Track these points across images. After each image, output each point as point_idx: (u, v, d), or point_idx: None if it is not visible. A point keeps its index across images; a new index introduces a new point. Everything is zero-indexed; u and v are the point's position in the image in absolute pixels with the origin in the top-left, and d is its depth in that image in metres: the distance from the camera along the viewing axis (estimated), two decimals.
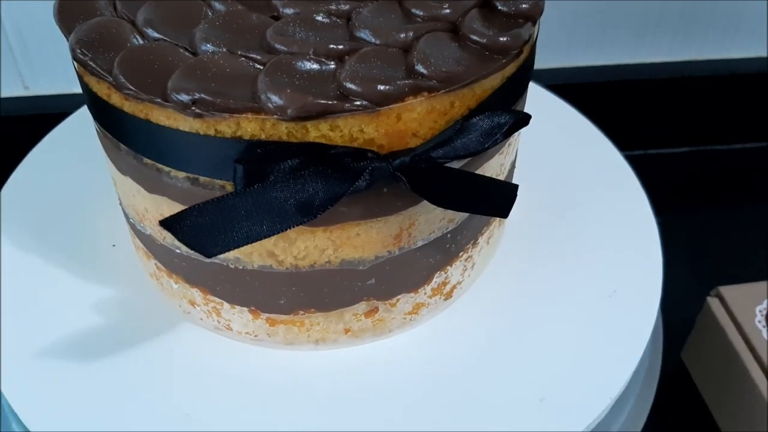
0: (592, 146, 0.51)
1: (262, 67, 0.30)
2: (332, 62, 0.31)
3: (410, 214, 0.34)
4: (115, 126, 0.33)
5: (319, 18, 0.33)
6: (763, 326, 0.53)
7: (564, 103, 0.54)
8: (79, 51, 0.32)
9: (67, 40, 0.33)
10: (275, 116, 0.29)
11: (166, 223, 0.28)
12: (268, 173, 0.29)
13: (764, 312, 0.54)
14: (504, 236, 0.44)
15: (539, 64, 0.38)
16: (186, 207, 0.33)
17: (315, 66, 0.30)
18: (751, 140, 0.82)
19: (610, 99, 0.75)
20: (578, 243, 0.44)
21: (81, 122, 0.51)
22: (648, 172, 0.53)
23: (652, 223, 0.46)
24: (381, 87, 0.30)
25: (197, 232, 0.28)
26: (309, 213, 0.29)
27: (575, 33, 0.74)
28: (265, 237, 0.29)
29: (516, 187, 0.35)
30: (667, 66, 0.78)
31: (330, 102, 0.29)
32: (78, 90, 0.35)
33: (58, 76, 0.68)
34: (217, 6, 0.33)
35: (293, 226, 0.29)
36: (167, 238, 0.36)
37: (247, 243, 0.29)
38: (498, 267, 0.43)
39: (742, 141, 0.82)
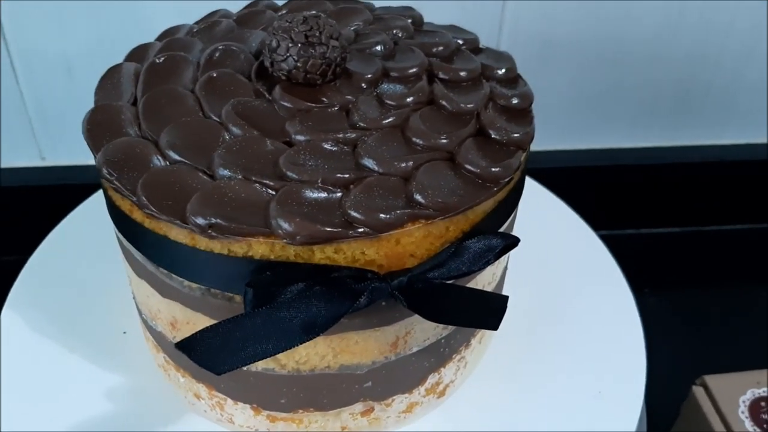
0: (572, 232, 0.55)
1: (274, 193, 0.33)
2: (338, 190, 0.33)
3: (406, 324, 0.37)
4: (134, 237, 0.36)
5: (328, 146, 0.36)
6: (746, 417, 0.55)
7: (540, 187, 0.57)
8: (106, 171, 0.35)
9: (95, 157, 0.36)
10: (284, 241, 0.32)
11: (181, 346, 0.31)
12: (275, 295, 0.31)
13: (747, 403, 0.56)
14: (494, 334, 0.47)
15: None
16: (198, 313, 0.35)
17: (322, 195, 0.33)
18: (736, 222, 0.84)
19: (601, 182, 0.78)
20: (564, 340, 0.47)
21: (98, 205, 0.53)
22: (632, 252, 0.56)
23: (636, 317, 0.49)
24: (382, 216, 0.32)
25: (209, 352, 0.31)
26: (312, 331, 0.32)
27: (568, 118, 0.77)
28: (271, 355, 0.32)
29: (506, 299, 0.38)
30: (659, 151, 0.82)
31: (335, 230, 0.32)
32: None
33: (76, 148, 0.71)
34: (235, 130, 0.36)
35: (297, 345, 0.32)
36: (177, 337, 0.38)
37: (254, 361, 0.32)
38: (488, 363, 0.46)
39: (727, 222, 0.84)
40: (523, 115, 0.40)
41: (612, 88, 0.76)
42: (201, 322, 0.36)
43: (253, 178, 0.34)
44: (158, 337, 0.40)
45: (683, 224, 0.84)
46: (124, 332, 0.46)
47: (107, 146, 0.36)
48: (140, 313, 0.42)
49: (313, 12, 0.39)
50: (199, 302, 0.35)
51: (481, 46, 0.46)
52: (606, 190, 0.79)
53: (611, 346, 0.47)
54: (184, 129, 0.37)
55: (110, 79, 0.42)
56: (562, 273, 0.51)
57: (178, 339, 0.38)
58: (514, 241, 0.35)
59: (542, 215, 0.54)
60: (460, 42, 0.45)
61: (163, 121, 0.37)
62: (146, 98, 0.39)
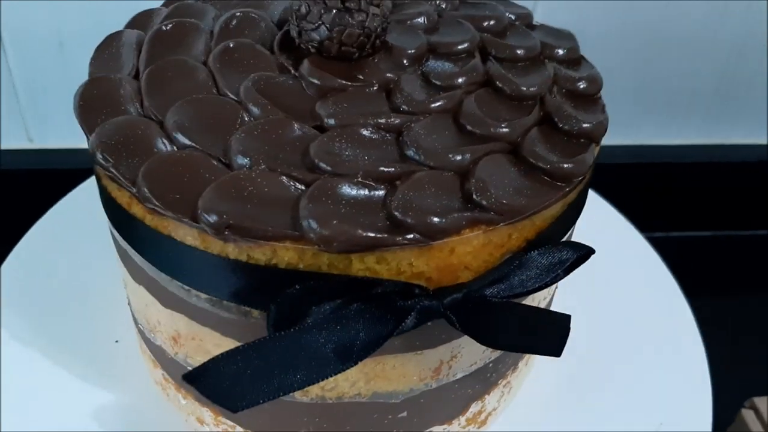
0: (620, 237, 0.49)
1: (304, 188, 0.27)
2: (382, 187, 0.28)
3: (453, 347, 0.31)
4: (133, 235, 0.30)
5: (367, 132, 0.30)
6: None
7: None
8: (101, 155, 0.29)
9: (88, 138, 0.30)
10: (317, 247, 0.26)
11: (190, 378, 0.25)
12: (305, 314, 0.26)
13: None
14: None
15: None
16: (206, 328, 0.30)
17: (363, 192, 0.27)
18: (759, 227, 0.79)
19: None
20: (617, 361, 0.41)
21: (91, 194, 0.47)
22: (676, 256, 0.50)
23: (698, 340, 0.43)
24: (436, 220, 0.26)
25: (223, 385, 0.25)
26: (349, 359, 0.26)
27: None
28: (299, 389, 0.26)
29: (568, 319, 0.32)
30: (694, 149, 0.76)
31: (379, 235, 0.26)
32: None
33: (67, 129, 0.64)
34: (255, 111, 0.30)
35: (331, 375, 0.26)
36: (179, 354, 0.32)
37: (279, 396, 0.26)
38: (532, 387, 0.40)
39: (748, 227, 0.79)
40: (591, 101, 0.34)
41: (646, 80, 0.70)
42: (209, 338, 0.30)
43: (279, 169, 0.28)
44: (157, 352, 0.35)
45: (713, 228, 0.79)
46: (117, 341, 0.40)
47: (102, 126, 0.30)
48: (136, 322, 0.36)
49: None
50: (209, 316, 0.29)
51: (535, 22, 0.40)
52: (636, 190, 0.73)
53: (673, 375, 0.41)
54: (195, 107, 0.31)
55: (108, 48, 0.36)
56: (610, 283, 0.45)
57: (180, 355, 0.32)
58: (587, 253, 0.30)
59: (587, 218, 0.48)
60: (512, 17, 0.39)
61: (170, 98, 0.31)
62: (150, 70, 0.33)
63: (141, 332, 0.36)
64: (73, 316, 0.41)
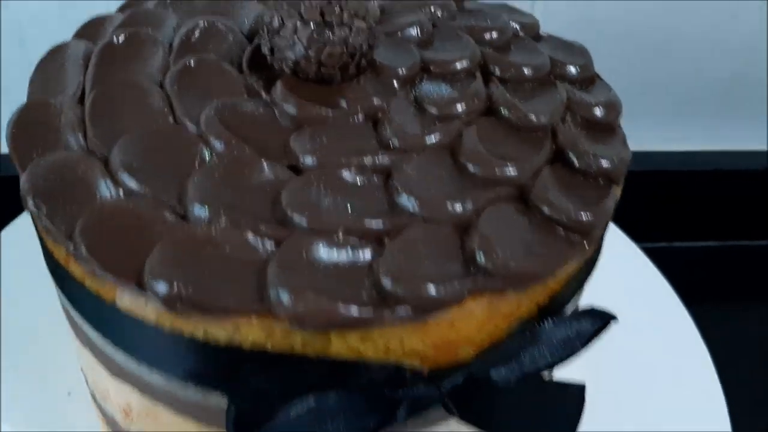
0: (626, 260, 0.45)
1: (273, 249, 0.23)
2: (368, 247, 0.23)
3: (447, 426, 0.27)
4: (73, 296, 0.25)
5: (350, 175, 0.25)
6: None
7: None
8: (32, 203, 0.24)
9: (19, 176, 0.26)
10: (288, 324, 0.21)
11: None
12: (272, 411, 0.21)
13: None
14: None
15: None
16: (160, 405, 0.25)
17: (345, 253, 0.23)
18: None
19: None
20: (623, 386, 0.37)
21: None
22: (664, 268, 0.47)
23: (708, 361, 0.39)
24: (432, 289, 0.22)
25: None
26: None
27: None
28: None
29: (583, 389, 0.27)
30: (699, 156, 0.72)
31: (364, 310, 0.21)
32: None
33: None
34: (217, 145, 0.26)
35: None
36: (133, 429, 0.28)
37: None
38: None
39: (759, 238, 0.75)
40: (610, 131, 0.30)
41: (649, 82, 0.66)
42: (164, 416, 0.26)
43: (244, 222, 0.23)
44: (109, 420, 0.30)
45: (720, 238, 0.75)
46: (69, 393, 0.35)
47: (36, 164, 0.25)
48: (86, 380, 0.31)
49: None
50: (163, 392, 0.25)
51: (541, 32, 0.35)
52: (638, 198, 0.69)
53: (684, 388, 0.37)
54: (146, 141, 0.26)
55: (51, 63, 0.31)
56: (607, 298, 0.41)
57: (134, 430, 0.28)
58: (608, 320, 0.25)
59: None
60: (516, 26, 0.34)
61: (118, 129, 0.27)
62: (96, 94, 0.28)
63: (92, 394, 0.31)
64: (17, 363, 0.36)
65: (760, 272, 0.70)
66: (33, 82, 0.30)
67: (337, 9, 0.26)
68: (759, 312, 0.67)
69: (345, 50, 0.27)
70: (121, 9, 0.35)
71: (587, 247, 0.25)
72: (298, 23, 0.26)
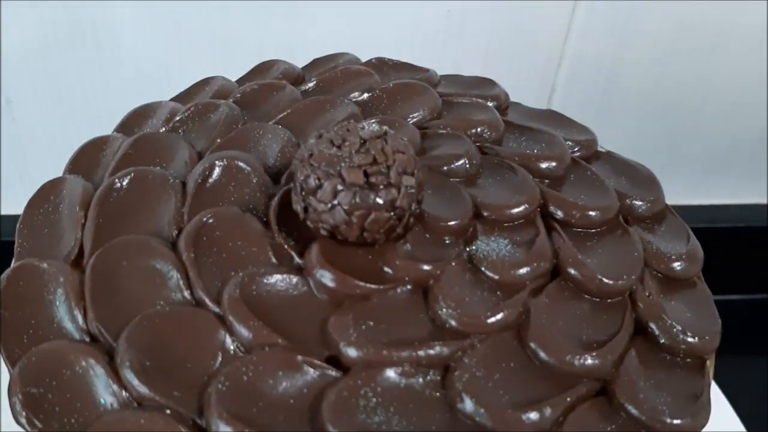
0: None
1: None
2: None
3: None
4: None
5: (400, 377, 0.21)
6: None
7: None
8: (25, 419, 0.20)
9: (9, 371, 0.21)
10: None
11: None
12: None
13: None
14: None
15: None
16: None
17: None
18: None
19: None
20: None
21: None
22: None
23: None
24: None
25: None
26: None
27: None
28: None
29: None
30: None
31: None
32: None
33: (11, 194, 0.52)
34: (243, 333, 0.22)
35: None
36: None
37: None
38: None
39: None
40: (690, 289, 0.26)
41: (677, 138, 0.63)
42: None
43: None
44: None
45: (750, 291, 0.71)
46: None
47: (26, 361, 0.21)
48: None
49: (375, 125, 0.24)
50: None
51: (600, 147, 0.31)
52: None
53: None
54: (158, 327, 0.22)
55: (43, 206, 0.26)
56: None
57: None
58: None
59: None
60: (575, 146, 0.30)
61: (124, 308, 0.22)
62: (96, 261, 0.24)
63: None
64: None
65: None
66: (21, 229, 0.26)
67: (383, 168, 0.22)
68: None
69: (392, 214, 0.23)
70: (122, 127, 0.31)
71: None
72: (338, 186, 0.22)
